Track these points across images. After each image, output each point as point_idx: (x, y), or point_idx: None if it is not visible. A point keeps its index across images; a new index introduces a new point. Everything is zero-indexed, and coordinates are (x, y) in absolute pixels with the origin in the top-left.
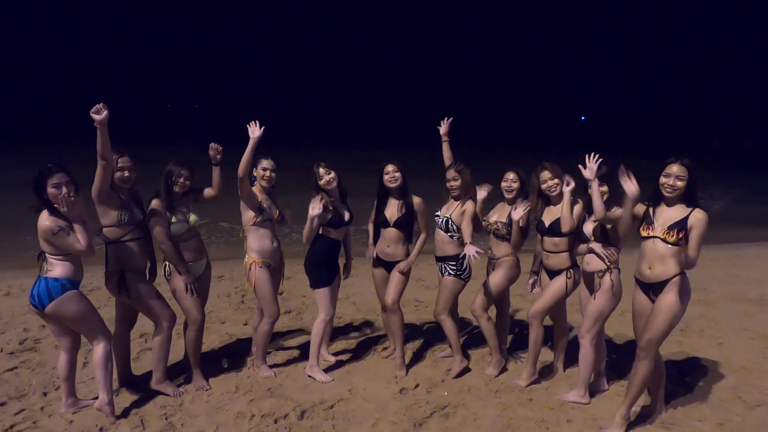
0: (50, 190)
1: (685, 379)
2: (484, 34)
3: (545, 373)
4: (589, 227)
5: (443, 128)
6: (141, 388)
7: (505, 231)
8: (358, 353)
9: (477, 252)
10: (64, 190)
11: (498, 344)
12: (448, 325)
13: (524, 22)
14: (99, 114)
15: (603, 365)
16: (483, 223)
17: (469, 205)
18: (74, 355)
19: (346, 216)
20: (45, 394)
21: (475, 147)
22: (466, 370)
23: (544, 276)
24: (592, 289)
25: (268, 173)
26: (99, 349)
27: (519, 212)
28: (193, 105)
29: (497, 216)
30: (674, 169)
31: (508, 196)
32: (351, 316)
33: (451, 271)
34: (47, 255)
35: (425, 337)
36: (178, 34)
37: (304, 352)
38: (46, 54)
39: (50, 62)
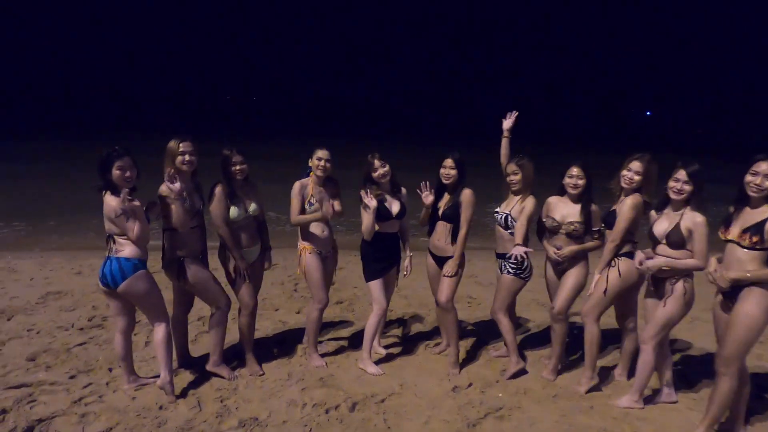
0: (115, 171)
1: (765, 395)
2: (535, 14)
3: (607, 378)
4: (660, 228)
5: (507, 122)
6: (198, 369)
7: (582, 230)
8: (409, 348)
9: (526, 252)
10: (128, 173)
11: (562, 350)
12: (505, 325)
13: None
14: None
15: (669, 375)
16: (548, 222)
17: (529, 202)
18: (129, 336)
19: (395, 209)
20: (110, 370)
21: (528, 142)
22: (522, 371)
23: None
24: (661, 295)
25: (323, 163)
26: (160, 329)
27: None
28: (225, 96)
29: (565, 213)
30: (763, 167)
31: (573, 192)
32: (402, 309)
33: (510, 270)
34: (116, 237)
35: (478, 335)
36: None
37: (355, 342)
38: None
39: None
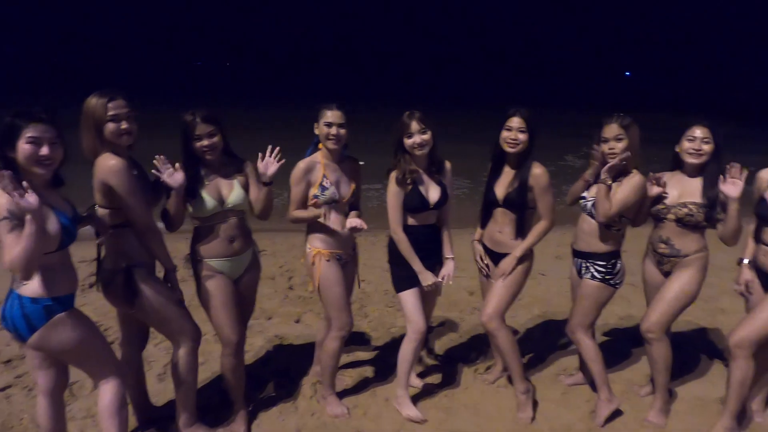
0: (22, 145)
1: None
2: None
3: (743, 422)
4: None
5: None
6: (165, 427)
7: (702, 216)
8: (452, 373)
9: None
10: (44, 150)
11: (667, 380)
12: (590, 348)
13: None
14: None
15: None
16: (655, 207)
17: (635, 181)
18: (58, 399)
19: (433, 195)
20: None
21: (498, 105)
22: (617, 413)
23: (756, 282)
24: None
25: (334, 130)
26: (107, 391)
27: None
28: (224, 62)
29: (678, 193)
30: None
31: (694, 161)
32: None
33: (597, 274)
34: None
35: (535, 349)
36: None
37: (378, 367)
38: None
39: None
